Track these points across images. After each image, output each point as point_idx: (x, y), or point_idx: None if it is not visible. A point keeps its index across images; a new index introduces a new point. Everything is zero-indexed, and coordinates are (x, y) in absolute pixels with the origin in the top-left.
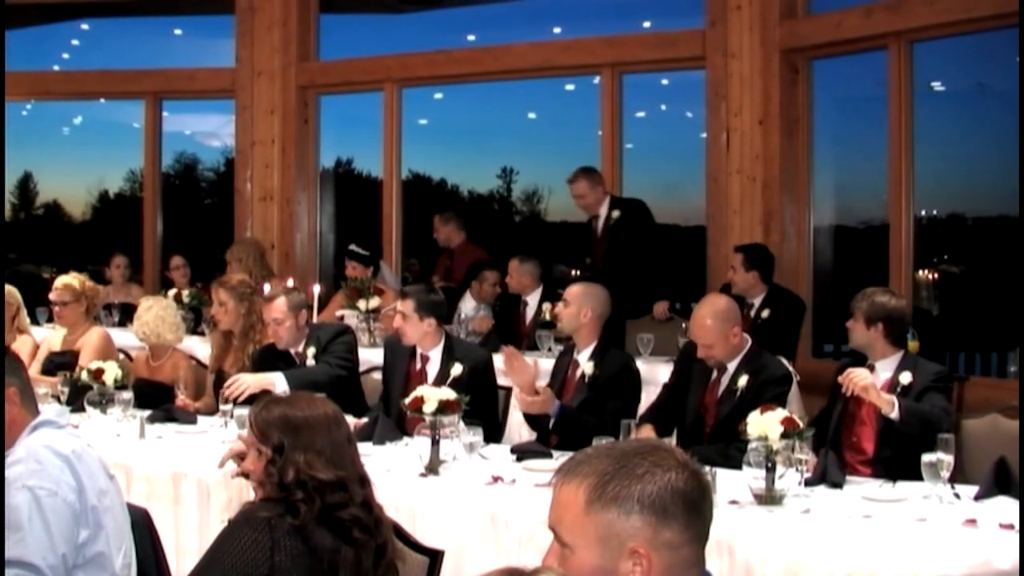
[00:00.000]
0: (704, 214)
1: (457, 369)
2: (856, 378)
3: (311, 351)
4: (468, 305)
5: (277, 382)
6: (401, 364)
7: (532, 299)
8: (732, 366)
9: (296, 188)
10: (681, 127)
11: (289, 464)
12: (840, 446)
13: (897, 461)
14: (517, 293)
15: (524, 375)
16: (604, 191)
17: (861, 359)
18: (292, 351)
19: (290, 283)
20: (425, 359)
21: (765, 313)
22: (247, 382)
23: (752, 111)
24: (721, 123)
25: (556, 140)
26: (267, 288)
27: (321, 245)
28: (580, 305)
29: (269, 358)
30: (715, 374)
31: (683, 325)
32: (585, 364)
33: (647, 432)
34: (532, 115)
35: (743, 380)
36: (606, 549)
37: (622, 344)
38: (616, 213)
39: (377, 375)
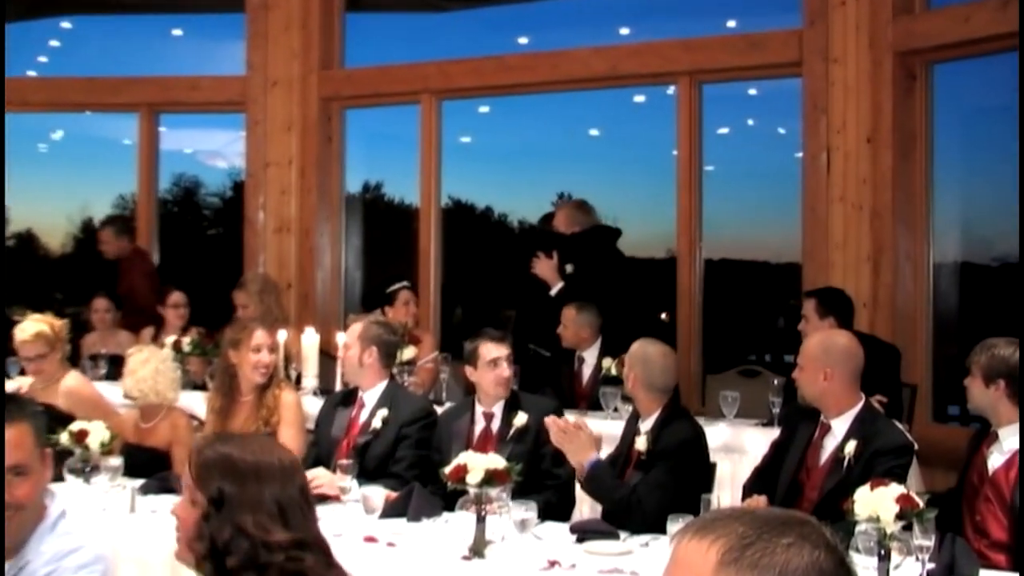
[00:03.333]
0: (800, 250)
1: (521, 419)
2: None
3: (382, 412)
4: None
5: (353, 488)
6: (460, 431)
7: (590, 355)
8: (840, 429)
9: (318, 217)
10: (772, 146)
11: (226, 524)
12: (962, 527)
13: None
14: (572, 347)
15: (574, 441)
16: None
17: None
18: (360, 393)
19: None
20: (489, 417)
21: None
22: (324, 479)
23: (859, 126)
24: (821, 141)
25: (623, 162)
26: (282, 335)
27: (346, 284)
28: (628, 368)
29: (330, 404)
30: (817, 433)
31: (775, 382)
32: (641, 438)
33: (761, 504)
34: (594, 132)
35: (851, 447)
36: None
37: (701, 403)
38: (569, 267)
39: None
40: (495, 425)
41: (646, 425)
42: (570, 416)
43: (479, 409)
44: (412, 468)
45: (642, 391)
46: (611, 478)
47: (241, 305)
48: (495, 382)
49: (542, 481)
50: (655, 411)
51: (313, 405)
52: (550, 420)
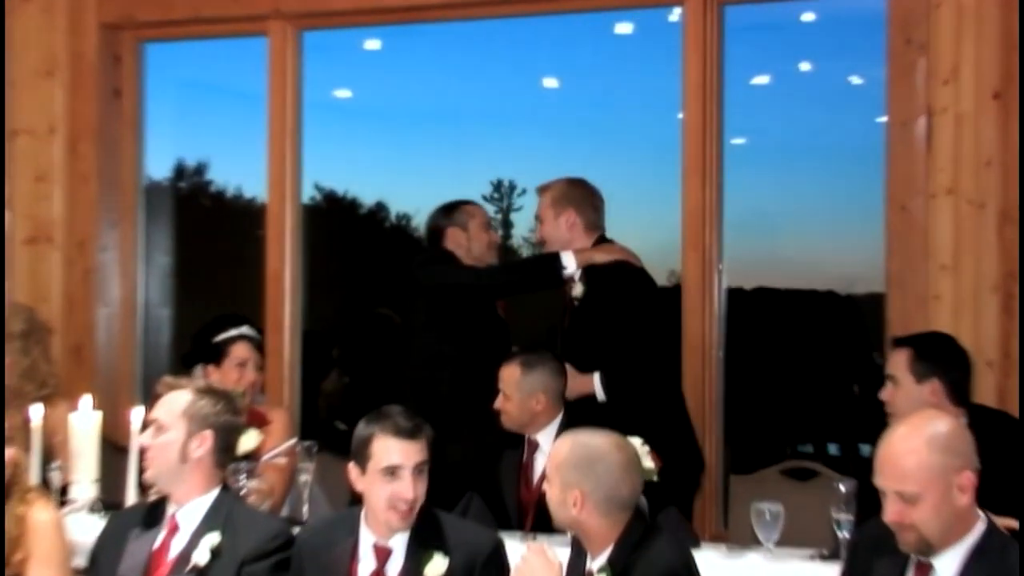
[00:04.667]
0: (883, 273)
1: (439, 566)
2: None
3: (211, 539)
4: None
5: None
6: (334, 569)
7: (546, 438)
8: (947, 569)
9: (99, 221)
10: (839, 105)
11: None
12: None
13: None
14: (518, 429)
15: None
16: (584, 227)
17: None
18: (172, 509)
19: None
20: (384, 554)
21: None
22: None
23: (980, 74)
24: (918, 98)
25: (598, 130)
26: (36, 413)
27: (147, 330)
28: (563, 487)
29: (120, 526)
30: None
31: (841, 488)
32: None
33: None
34: (551, 83)
35: None
36: None
37: (721, 522)
38: (578, 290)
39: None
40: (394, 569)
41: (600, 560)
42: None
43: (367, 538)
44: None
45: (597, 515)
46: None
47: (12, 352)
48: (388, 504)
49: None
50: (606, 545)
51: (88, 529)
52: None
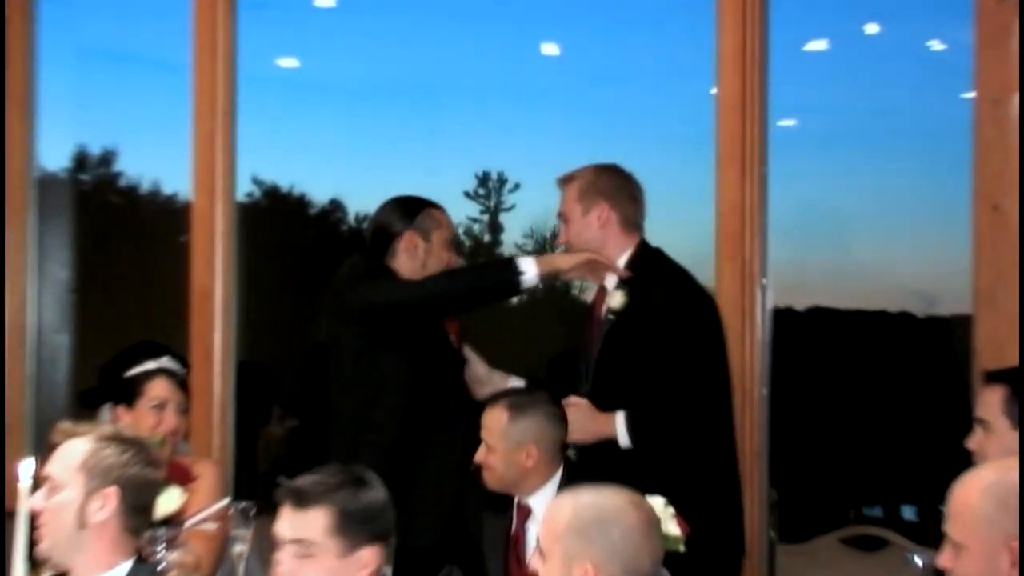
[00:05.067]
0: (970, 287)
1: None
2: None
3: None
4: None
5: None
6: None
7: (539, 501)
8: None
9: None
10: (913, 78)
11: None
12: None
13: None
14: (504, 491)
15: None
16: (620, 223)
17: None
18: None
19: None
20: None
21: None
22: None
23: None
24: (1012, 69)
25: (611, 109)
26: None
27: (40, 361)
28: (565, 559)
29: None
30: None
31: (915, 560)
32: None
33: None
34: (551, 50)
35: None
36: None
37: None
38: (618, 300)
39: None
40: None
41: None
42: None
43: None
44: None
45: None
46: None
47: None
48: None
49: None
50: None
51: None
52: None
